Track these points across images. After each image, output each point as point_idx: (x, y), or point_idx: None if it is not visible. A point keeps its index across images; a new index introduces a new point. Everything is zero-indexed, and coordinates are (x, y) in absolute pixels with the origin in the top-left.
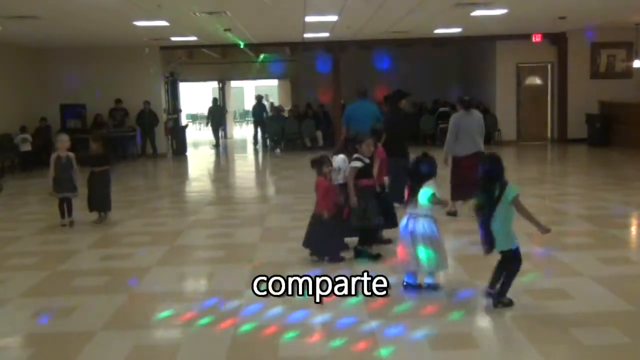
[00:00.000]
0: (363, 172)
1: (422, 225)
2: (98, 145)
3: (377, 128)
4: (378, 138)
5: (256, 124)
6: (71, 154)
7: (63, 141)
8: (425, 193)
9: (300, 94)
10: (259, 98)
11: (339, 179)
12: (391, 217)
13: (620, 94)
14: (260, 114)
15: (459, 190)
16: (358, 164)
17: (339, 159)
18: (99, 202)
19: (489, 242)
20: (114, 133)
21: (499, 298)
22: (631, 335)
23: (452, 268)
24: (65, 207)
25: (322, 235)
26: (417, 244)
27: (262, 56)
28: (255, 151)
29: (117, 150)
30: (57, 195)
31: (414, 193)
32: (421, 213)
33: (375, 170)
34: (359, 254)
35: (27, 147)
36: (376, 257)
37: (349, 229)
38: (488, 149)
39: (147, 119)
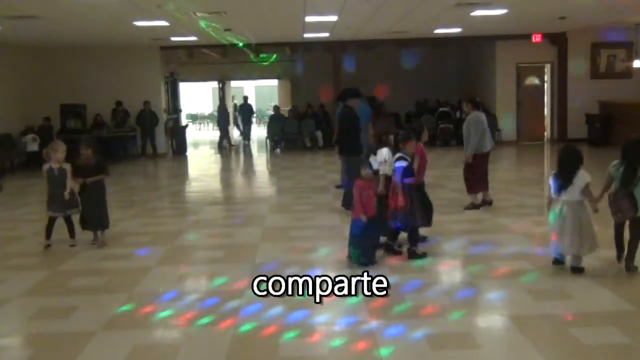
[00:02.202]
0: (407, 171)
1: (575, 211)
2: (89, 153)
3: (415, 127)
4: (418, 136)
5: (244, 122)
6: (66, 165)
7: (58, 151)
8: (582, 180)
9: (300, 94)
10: (245, 98)
11: (386, 170)
12: (428, 214)
13: (620, 94)
14: (248, 113)
15: (481, 183)
16: (404, 163)
17: (384, 152)
18: (94, 219)
19: (635, 208)
20: (114, 133)
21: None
22: (631, 335)
23: (452, 269)
24: (53, 226)
25: (354, 237)
26: (568, 228)
27: (266, 57)
28: (245, 146)
29: (117, 151)
30: (50, 213)
31: (568, 181)
32: (574, 199)
33: (415, 167)
34: (411, 255)
35: (34, 148)
36: (423, 256)
37: (384, 227)
38: None
39: (147, 119)
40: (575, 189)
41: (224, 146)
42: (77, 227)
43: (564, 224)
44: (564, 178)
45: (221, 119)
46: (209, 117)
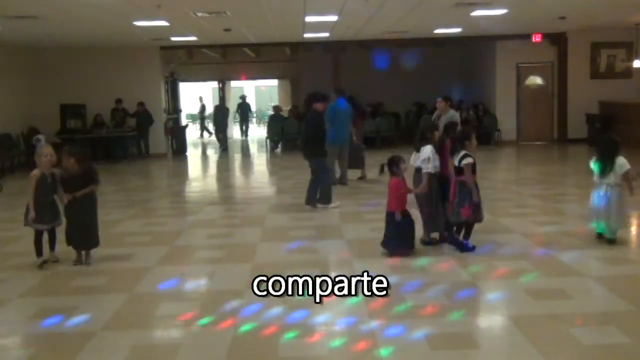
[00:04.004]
0: (474, 167)
1: (615, 194)
2: (72, 162)
3: (448, 124)
4: (449, 132)
5: (242, 120)
6: (57, 171)
7: (47, 155)
8: (621, 166)
9: (300, 94)
10: (243, 97)
11: (429, 168)
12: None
13: (620, 94)
14: (245, 112)
15: None
16: (471, 159)
17: (427, 149)
18: (81, 236)
19: None
20: (114, 133)
21: None
22: (631, 335)
23: (452, 269)
24: (44, 239)
25: (395, 232)
26: (613, 207)
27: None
28: (244, 143)
29: (117, 151)
30: (39, 226)
31: (608, 166)
32: (614, 182)
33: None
34: (463, 247)
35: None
36: (473, 249)
37: (439, 223)
38: (488, 149)
39: (141, 119)
40: (617, 174)
41: (222, 145)
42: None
43: (608, 203)
44: (606, 164)
45: (222, 119)
46: (209, 117)
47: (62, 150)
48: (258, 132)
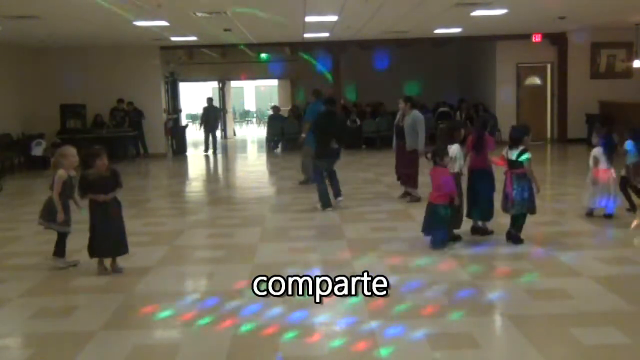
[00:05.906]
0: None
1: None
2: (106, 163)
3: (485, 119)
4: (484, 128)
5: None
6: (74, 173)
7: (68, 156)
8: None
9: (300, 94)
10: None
11: (455, 167)
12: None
13: (620, 94)
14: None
15: (415, 179)
16: (530, 154)
17: (454, 149)
18: (113, 242)
19: None
20: (114, 133)
21: None
22: (631, 335)
23: (452, 269)
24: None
25: (437, 222)
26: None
27: (264, 56)
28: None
29: (118, 151)
30: (68, 229)
31: (610, 154)
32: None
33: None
34: (516, 239)
35: (39, 152)
36: (522, 241)
37: (459, 220)
38: None
39: (132, 118)
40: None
41: (208, 148)
42: None
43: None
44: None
45: (213, 120)
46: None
47: (95, 149)
48: (258, 132)
